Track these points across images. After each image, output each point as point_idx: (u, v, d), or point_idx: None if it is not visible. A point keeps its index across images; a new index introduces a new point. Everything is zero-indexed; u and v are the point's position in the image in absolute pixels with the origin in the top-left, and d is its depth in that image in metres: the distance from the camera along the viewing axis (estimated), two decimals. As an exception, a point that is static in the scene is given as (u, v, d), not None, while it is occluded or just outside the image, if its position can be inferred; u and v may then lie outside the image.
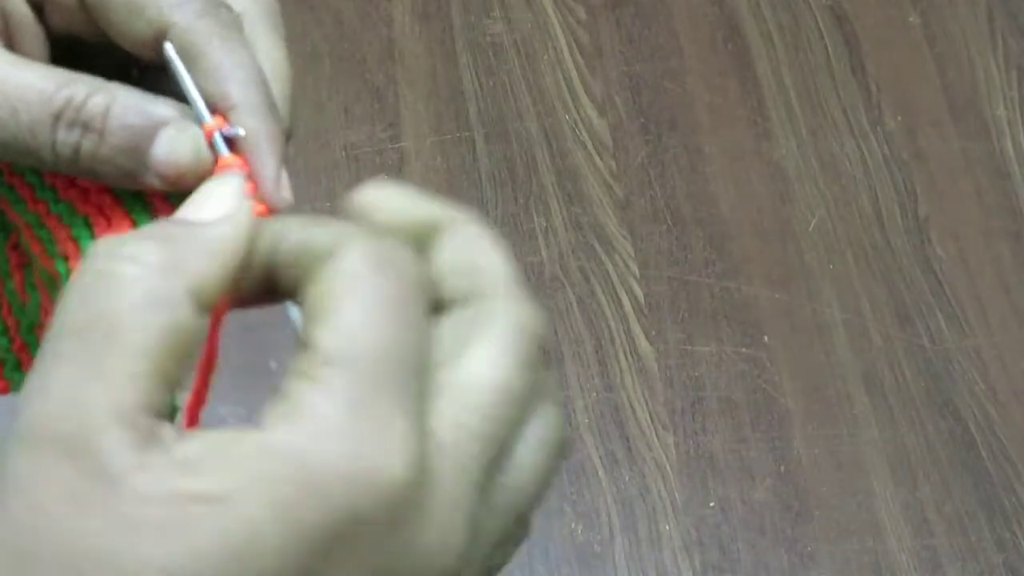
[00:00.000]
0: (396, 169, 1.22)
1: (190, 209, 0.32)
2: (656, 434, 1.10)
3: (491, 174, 1.23)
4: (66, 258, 0.36)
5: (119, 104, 0.34)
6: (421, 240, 0.32)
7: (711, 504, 1.08)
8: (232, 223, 0.31)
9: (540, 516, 1.06)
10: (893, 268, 1.20)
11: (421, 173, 1.22)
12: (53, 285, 0.37)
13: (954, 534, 1.07)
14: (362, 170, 1.22)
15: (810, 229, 1.22)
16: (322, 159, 1.22)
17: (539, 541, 1.05)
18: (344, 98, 1.26)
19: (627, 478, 1.08)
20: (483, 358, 0.30)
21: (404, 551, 0.28)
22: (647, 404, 1.11)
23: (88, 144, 0.34)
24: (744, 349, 1.15)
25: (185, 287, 0.29)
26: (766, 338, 1.16)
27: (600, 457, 1.09)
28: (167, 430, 0.28)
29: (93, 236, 0.36)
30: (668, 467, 1.09)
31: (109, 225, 0.36)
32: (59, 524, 0.26)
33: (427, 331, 0.30)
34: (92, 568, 0.26)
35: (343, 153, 1.23)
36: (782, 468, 1.09)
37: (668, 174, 1.24)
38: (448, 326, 0.31)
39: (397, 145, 1.24)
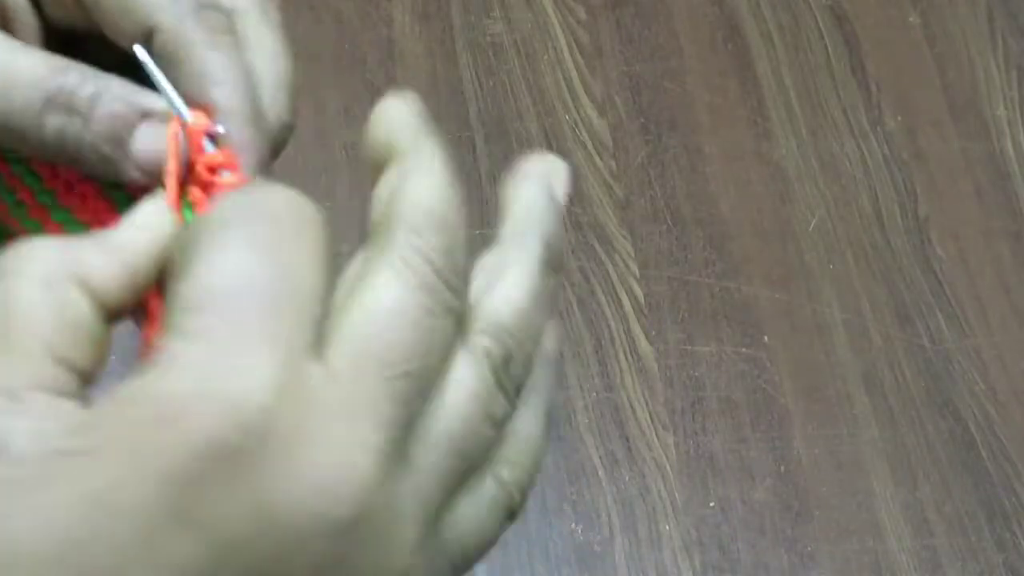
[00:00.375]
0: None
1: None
2: (656, 434, 1.10)
3: (491, 174, 1.23)
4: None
5: (108, 93, 0.35)
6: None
7: (711, 504, 1.08)
8: (137, 228, 0.32)
9: (540, 516, 1.06)
10: (893, 268, 1.20)
11: (421, 173, 1.22)
12: None
13: (954, 534, 1.08)
14: (362, 170, 1.22)
15: (810, 229, 1.22)
16: (322, 159, 1.22)
17: (539, 541, 1.05)
18: (344, 98, 1.26)
19: (627, 478, 1.08)
20: (374, 284, 0.29)
21: (286, 480, 0.27)
22: (647, 404, 1.11)
23: (73, 129, 0.34)
24: (744, 349, 1.15)
25: (71, 273, 0.30)
26: (766, 338, 1.16)
27: (600, 457, 1.09)
28: (66, 404, 0.28)
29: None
30: (668, 467, 1.09)
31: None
32: None
33: (313, 266, 0.29)
34: None
35: (343, 153, 1.23)
36: (782, 468, 1.10)
37: (668, 174, 1.24)
38: (358, 260, 0.31)
39: (397, 145, 1.24)
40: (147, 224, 0.32)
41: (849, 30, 1.35)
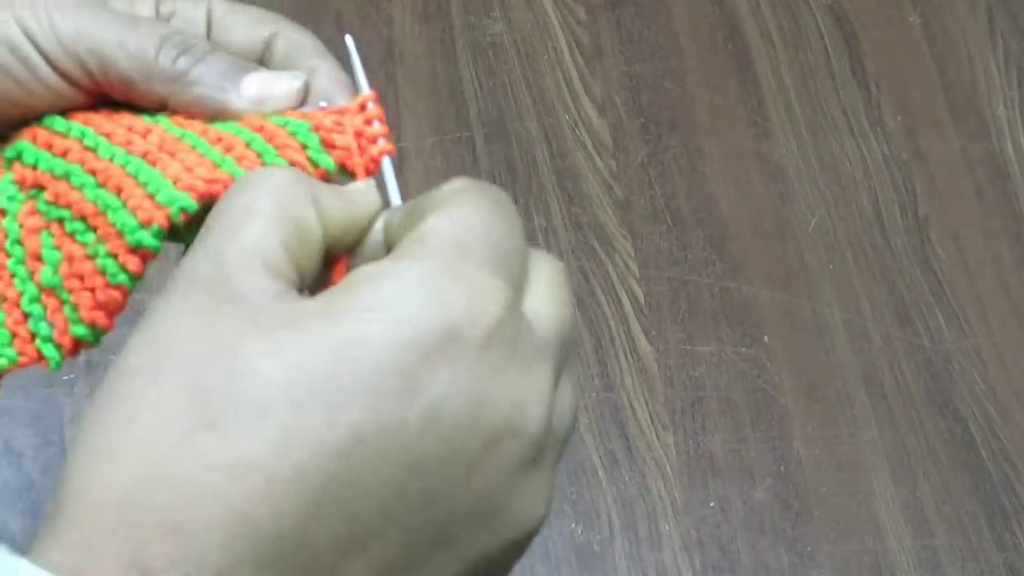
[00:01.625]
0: (396, 169, 1.22)
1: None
2: (656, 434, 1.10)
3: (491, 174, 1.23)
4: (120, 190, 0.38)
5: (220, 52, 0.41)
6: None
7: (711, 504, 1.08)
8: (362, 189, 0.38)
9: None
10: (893, 268, 1.20)
11: (421, 173, 1.22)
12: (86, 231, 0.39)
13: (954, 534, 1.07)
14: (362, 170, 1.22)
15: (810, 229, 1.22)
16: (322, 159, 1.22)
17: (539, 541, 1.05)
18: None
19: (627, 478, 1.08)
20: (549, 286, 0.36)
21: (495, 385, 0.32)
22: (647, 404, 1.11)
23: (185, 60, 0.40)
24: (744, 349, 1.15)
25: (311, 197, 0.35)
26: (766, 338, 1.16)
27: (600, 457, 1.09)
28: (290, 289, 0.33)
29: (155, 168, 0.39)
30: (668, 467, 1.09)
31: (172, 158, 0.39)
32: (189, 331, 0.32)
33: (523, 241, 0.35)
34: (215, 363, 0.31)
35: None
36: (782, 468, 1.10)
37: (668, 174, 1.24)
38: None
39: (397, 145, 1.23)
40: (366, 192, 0.38)
41: (849, 30, 1.35)
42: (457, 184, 0.36)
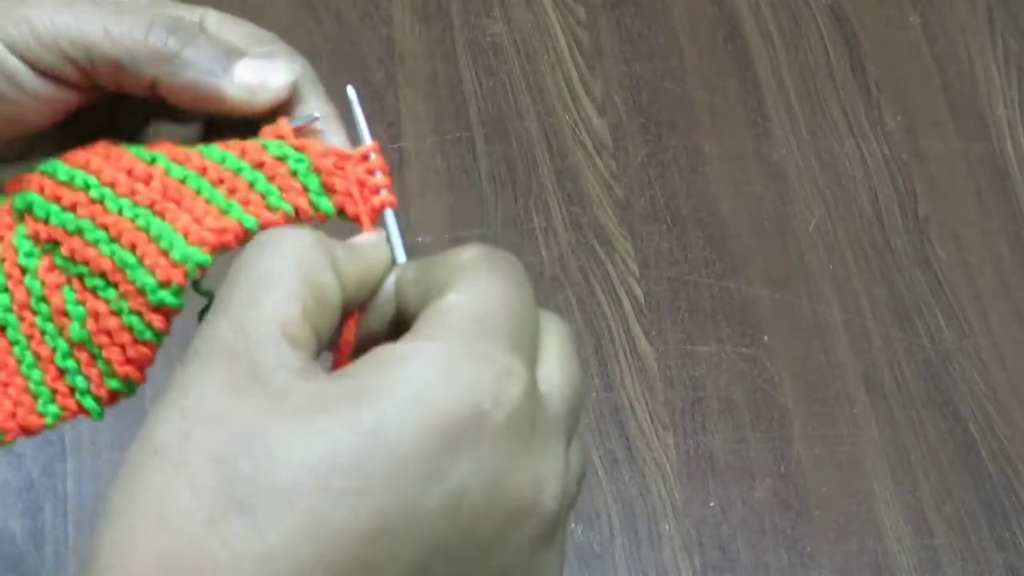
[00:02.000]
0: (396, 169, 1.22)
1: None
2: (656, 434, 1.10)
3: (491, 174, 1.23)
4: (134, 247, 0.39)
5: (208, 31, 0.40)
6: None
7: (711, 504, 1.08)
8: (372, 242, 0.38)
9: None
10: (893, 268, 1.20)
11: (421, 173, 1.22)
12: (107, 287, 0.39)
13: (954, 534, 1.07)
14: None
15: (810, 229, 1.22)
16: (322, 159, 1.22)
17: (539, 541, 1.05)
18: (344, 98, 1.26)
19: (627, 478, 1.08)
20: (560, 351, 0.36)
21: (517, 464, 0.32)
22: (647, 404, 1.11)
23: (174, 43, 0.39)
24: (744, 349, 1.15)
25: (329, 261, 0.35)
26: (766, 338, 1.16)
27: (600, 457, 1.09)
28: (309, 359, 0.34)
29: (164, 220, 0.39)
30: (668, 467, 1.09)
31: (179, 208, 0.39)
32: (217, 409, 0.32)
33: (536, 312, 0.36)
34: (244, 445, 0.31)
35: (343, 153, 1.23)
36: (782, 468, 1.10)
37: (668, 174, 1.24)
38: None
39: (397, 145, 1.24)
40: (376, 246, 0.38)
41: (849, 30, 1.35)
42: (473, 253, 0.36)
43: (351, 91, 0.42)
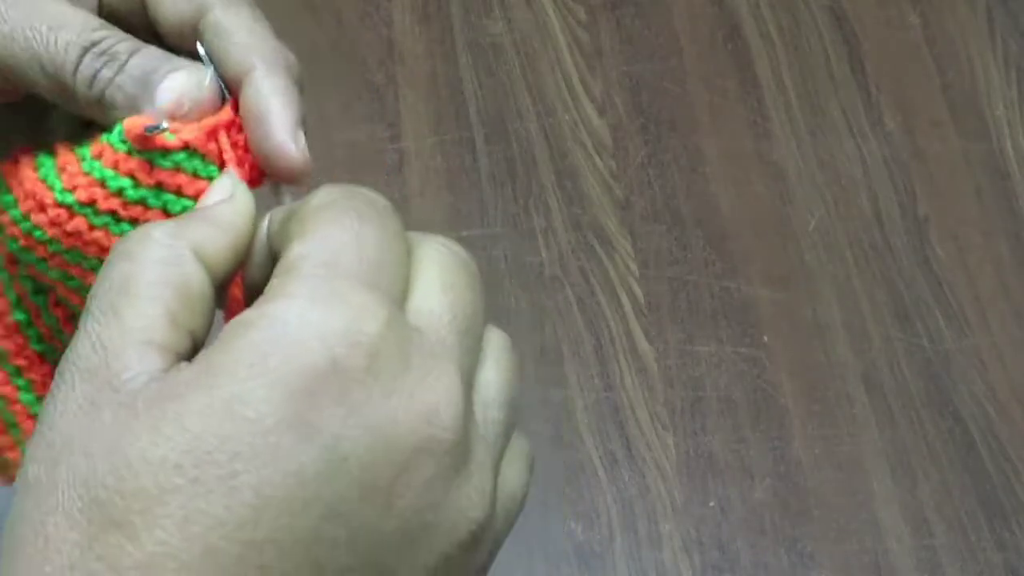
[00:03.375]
0: (396, 169, 1.22)
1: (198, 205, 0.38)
2: (656, 434, 1.10)
3: (491, 174, 1.23)
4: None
5: (145, 49, 0.38)
6: None
7: (711, 504, 1.08)
8: (229, 200, 0.36)
9: (540, 516, 1.06)
10: (893, 268, 1.20)
11: (421, 173, 1.22)
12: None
13: (954, 534, 1.08)
14: (362, 170, 1.22)
15: (810, 229, 1.22)
16: (322, 159, 1.21)
17: (539, 541, 1.05)
18: (344, 98, 1.26)
19: (627, 478, 1.08)
20: (442, 280, 0.34)
21: (396, 403, 0.31)
22: (647, 404, 1.11)
23: (107, 71, 0.38)
24: (744, 349, 1.15)
25: (190, 249, 0.34)
26: (766, 338, 1.16)
27: (600, 457, 1.09)
28: (178, 360, 0.32)
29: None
30: (668, 467, 1.09)
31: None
32: (77, 430, 0.31)
33: (400, 245, 0.34)
34: (104, 458, 0.30)
35: (343, 153, 1.23)
36: (782, 468, 1.10)
37: (668, 174, 1.24)
38: None
39: (397, 145, 1.24)
40: (239, 199, 0.37)
41: (849, 30, 1.35)
42: (319, 199, 0.35)
43: (200, 49, 0.39)
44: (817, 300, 1.18)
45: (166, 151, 0.38)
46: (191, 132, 0.38)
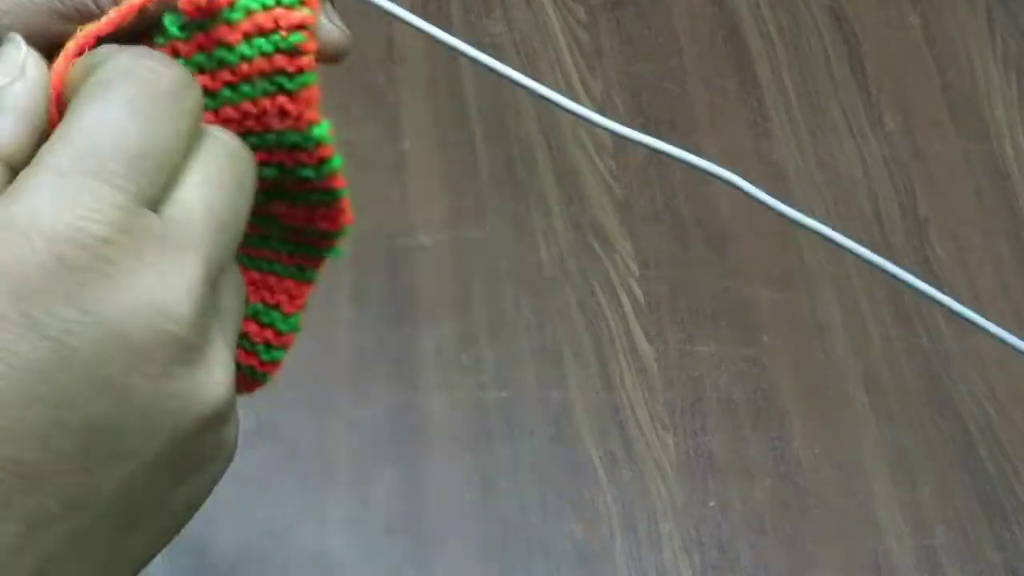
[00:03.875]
0: (396, 169, 1.22)
1: None
2: (656, 434, 1.10)
3: (491, 174, 1.23)
4: None
5: None
6: None
7: (711, 504, 1.08)
8: (27, 80, 0.35)
9: (540, 516, 1.06)
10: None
11: (421, 173, 1.22)
12: None
13: (954, 534, 1.07)
14: (361, 170, 1.22)
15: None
16: (322, 159, 1.21)
17: (539, 541, 1.05)
18: (343, 98, 1.26)
19: (627, 478, 1.08)
20: (208, 173, 0.35)
21: (126, 297, 0.32)
22: (647, 404, 1.11)
23: None
24: (744, 349, 1.15)
25: None
26: (766, 338, 1.16)
27: (600, 457, 1.09)
28: None
29: None
30: (668, 467, 1.09)
31: None
32: None
33: (175, 132, 0.34)
34: None
35: (342, 153, 1.23)
36: (782, 468, 1.09)
37: (668, 174, 1.24)
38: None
39: (397, 145, 1.24)
40: (30, 72, 0.35)
41: (849, 30, 1.35)
42: (98, 72, 0.34)
43: None
44: (817, 300, 1.18)
45: (231, 4, 0.37)
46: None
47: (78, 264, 0.31)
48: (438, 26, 0.45)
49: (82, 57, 0.35)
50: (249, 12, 0.37)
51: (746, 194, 0.48)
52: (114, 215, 0.32)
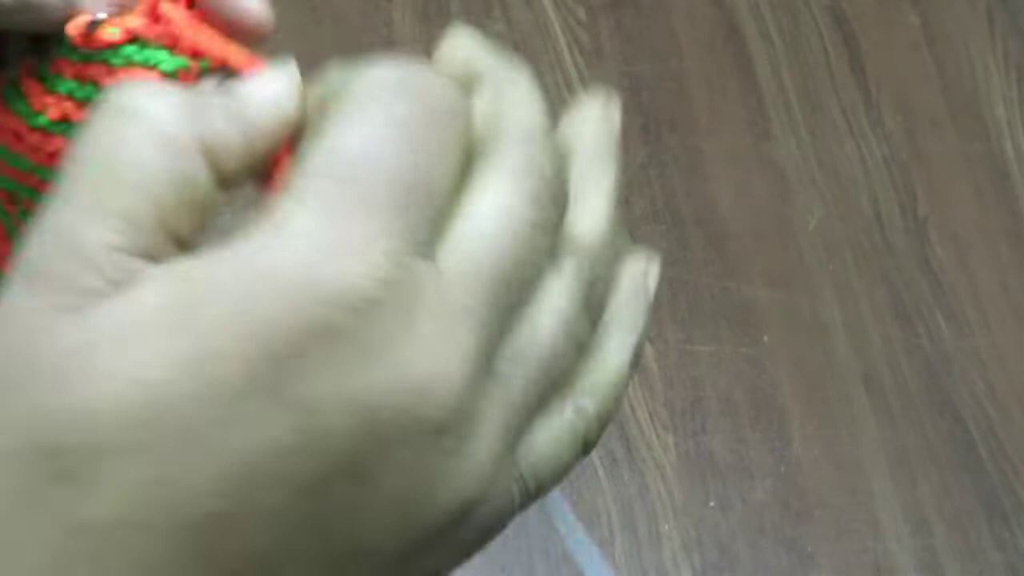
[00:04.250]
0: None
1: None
2: (656, 434, 1.10)
3: (491, 174, 1.23)
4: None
5: None
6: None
7: (711, 504, 1.08)
8: (269, 103, 0.30)
9: (540, 516, 1.06)
10: (893, 268, 1.20)
11: (421, 173, 1.22)
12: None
13: (954, 534, 1.08)
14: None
15: (810, 229, 1.22)
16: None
17: (539, 541, 1.05)
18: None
19: (627, 478, 1.08)
20: (487, 193, 0.28)
21: (384, 374, 0.27)
22: (647, 404, 1.11)
23: None
24: (744, 349, 1.15)
25: (199, 139, 0.28)
26: (766, 338, 1.16)
27: (600, 457, 1.09)
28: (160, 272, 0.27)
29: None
30: (668, 467, 1.09)
31: None
32: (26, 344, 0.26)
33: (447, 162, 0.28)
34: (49, 386, 0.26)
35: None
36: (782, 468, 1.10)
37: (668, 174, 1.24)
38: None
39: (397, 145, 1.24)
40: (277, 96, 0.31)
41: (849, 30, 1.35)
42: (366, 83, 0.29)
43: None
44: (817, 300, 1.18)
45: (115, 47, 0.34)
46: (133, 20, 0.34)
47: (345, 330, 0.26)
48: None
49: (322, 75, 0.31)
50: (130, 63, 0.35)
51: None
52: (388, 269, 0.26)
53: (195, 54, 0.34)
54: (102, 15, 0.33)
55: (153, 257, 0.27)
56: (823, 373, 1.14)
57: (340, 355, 0.26)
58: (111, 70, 0.35)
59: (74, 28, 0.34)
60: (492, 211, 0.28)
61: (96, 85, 0.35)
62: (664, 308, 1.17)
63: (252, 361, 0.26)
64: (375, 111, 0.28)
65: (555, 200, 0.30)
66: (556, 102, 1.12)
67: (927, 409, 1.13)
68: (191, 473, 0.26)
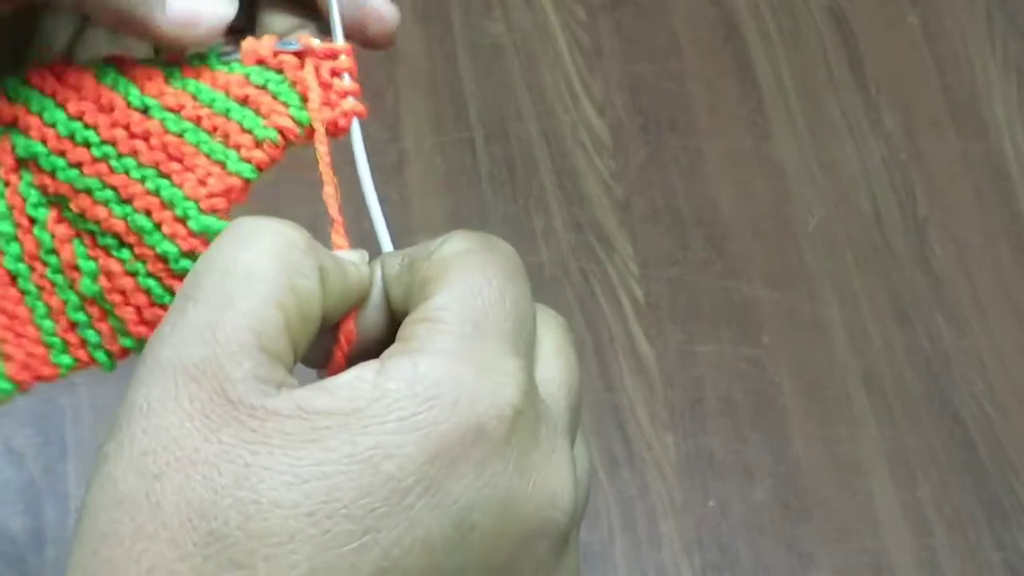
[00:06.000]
0: (396, 169, 1.22)
1: None
2: (656, 434, 1.10)
3: (491, 174, 1.23)
4: (149, 212, 0.38)
5: None
6: None
7: (711, 504, 1.08)
8: (359, 261, 0.35)
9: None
10: (893, 268, 1.20)
11: (421, 173, 1.22)
12: (120, 248, 0.39)
13: (954, 534, 1.08)
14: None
15: (810, 229, 1.22)
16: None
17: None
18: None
19: (627, 478, 1.08)
20: (556, 345, 0.35)
21: (525, 479, 0.30)
22: (647, 404, 1.12)
23: None
24: (744, 349, 1.15)
25: (317, 267, 0.32)
26: (766, 338, 1.16)
27: (600, 457, 1.09)
28: (287, 375, 0.31)
29: (172, 184, 0.38)
30: (668, 467, 1.09)
31: (183, 168, 0.38)
32: (187, 444, 0.28)
33: (532, 303, 0.34)
34: (225, 487, 0.28)
35: (342, 152, 1.23)
36: (782, 468, 1.10)
37: (668, 174, 1.24)
38: None
39: (397, 145, 1.24)
40: (362, 264, 0.35)
41: (848, 30, 1.35)
42: (461, 244, 0.33)
43: None
44: (817, 300, 1.18)
45: (263, 65, 0.38)
46: (288, 58, 0.39)
47: (495, 436, 0.30)
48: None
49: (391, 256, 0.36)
50: (264, 85, 0.40)
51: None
52: (525, 386, 0.31)
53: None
54: (294, 43, 0.39)
55: (279, 357, 0.30)
56: (823, 373, 1.14)
57: (492, 462, 0.30)
58: (247, 85, 0.39)
59: (255, 46, 0.39)
60: (553, 345, 0.35)
61: (227, 94, 0.39)
62: (664, 308, 1.17)
63: (421, 461, 0.29)
64: (479, 264, 0.33)
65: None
66: (556, 103, 1.12)
67: (927, 409, 1.13)
68: (353, 564, 0.28)
